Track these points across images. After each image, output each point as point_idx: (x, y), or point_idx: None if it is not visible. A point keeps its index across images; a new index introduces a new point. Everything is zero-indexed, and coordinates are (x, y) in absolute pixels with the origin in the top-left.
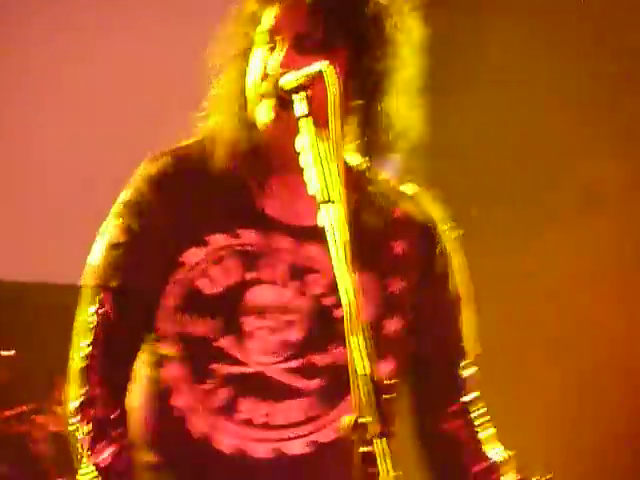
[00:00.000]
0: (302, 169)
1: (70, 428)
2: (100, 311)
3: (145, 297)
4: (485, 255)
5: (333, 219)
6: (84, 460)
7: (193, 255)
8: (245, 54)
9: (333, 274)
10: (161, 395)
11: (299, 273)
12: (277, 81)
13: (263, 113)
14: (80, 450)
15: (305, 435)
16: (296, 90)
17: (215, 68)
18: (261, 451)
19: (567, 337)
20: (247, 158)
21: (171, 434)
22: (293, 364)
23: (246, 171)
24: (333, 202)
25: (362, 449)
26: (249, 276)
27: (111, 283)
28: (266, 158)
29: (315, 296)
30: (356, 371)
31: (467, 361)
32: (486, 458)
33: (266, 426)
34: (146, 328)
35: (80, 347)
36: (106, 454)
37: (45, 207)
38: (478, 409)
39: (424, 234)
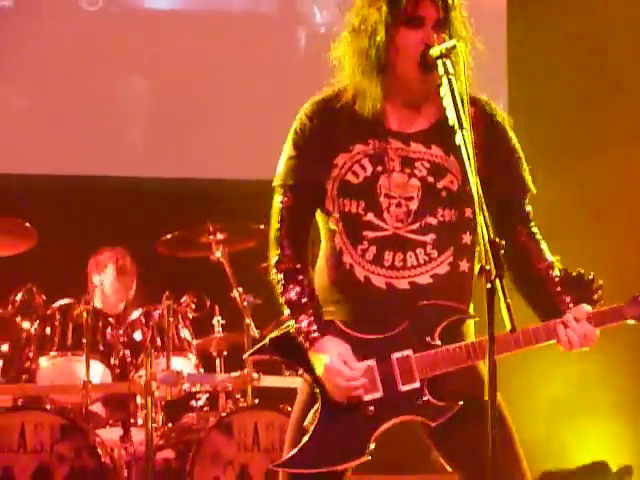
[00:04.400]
0: (419, 103)
1: (271, 277)
2: (283, 200)
3: (312, 188)
4: None
5: (465, 139)
6: (281, 297)
7: (342, 159)
8: (377, 27)
9: (431, 161)
10: (336, 256)
11: (409, 163)
12: (427, 50)
13: (416, 71)
14: (278, 291)
15: (428, 271)
16: (440, 57)
17: (346, 40)
18: (402, 284)
19: None
20: (379, 98)
21: (344, 279)
22: (416, 226)
23: (378, 104)
24: (464, 128)
25: (488, 285)
26: (379, 168)
27: (288, 182)
28: (397, 97)
29: (422, 177)
30: (482, 236)
31: (528, 198)
32: (546, 259)
33: (403, 267)
34: (316, 209)
35: (273, 224)
36: (293, 292)
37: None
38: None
39: (493, 118)
